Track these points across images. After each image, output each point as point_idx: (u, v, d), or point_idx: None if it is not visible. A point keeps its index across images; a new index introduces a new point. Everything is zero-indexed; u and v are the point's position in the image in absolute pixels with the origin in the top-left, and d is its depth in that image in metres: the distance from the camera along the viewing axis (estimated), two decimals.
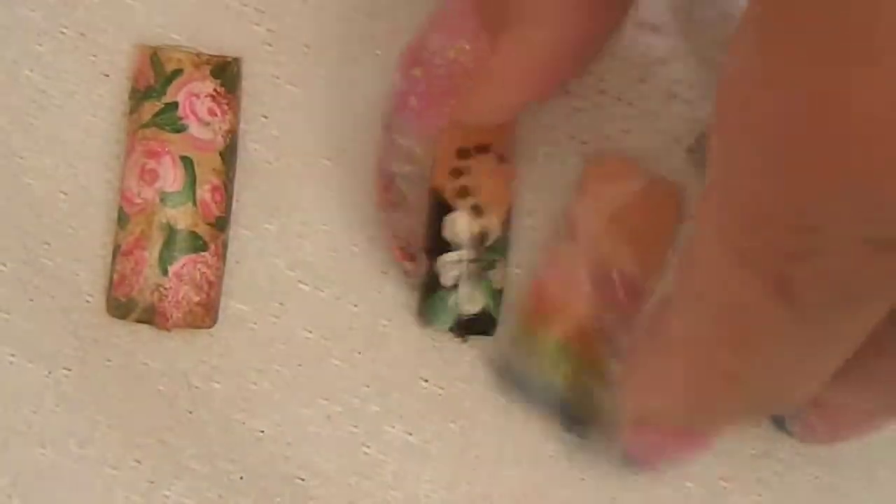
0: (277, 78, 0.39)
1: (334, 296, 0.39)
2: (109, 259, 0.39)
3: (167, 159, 0.38)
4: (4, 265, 0.39)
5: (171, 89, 0.38)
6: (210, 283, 0.38)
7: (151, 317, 0.38)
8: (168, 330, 0.38)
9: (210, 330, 0.39)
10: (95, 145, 0.39)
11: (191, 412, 0.39)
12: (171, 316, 0.38)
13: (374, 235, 0.39)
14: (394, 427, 0.39)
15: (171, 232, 0.38)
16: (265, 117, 0.39)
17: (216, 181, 0.38)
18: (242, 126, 0.39)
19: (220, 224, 0.38)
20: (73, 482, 0.39)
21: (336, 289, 0.39)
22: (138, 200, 0.38)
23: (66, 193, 0.39)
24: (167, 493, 0.39)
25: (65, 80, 0.39)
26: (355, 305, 0.39)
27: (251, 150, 0.39)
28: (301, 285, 0.39)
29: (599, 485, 0.39)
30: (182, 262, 0.38)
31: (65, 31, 0.39)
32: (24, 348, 0.39)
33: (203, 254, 0.38)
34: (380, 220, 0.38)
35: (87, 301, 0.39)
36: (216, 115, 0.38)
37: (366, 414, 0.39)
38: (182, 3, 0.39)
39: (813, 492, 0.40)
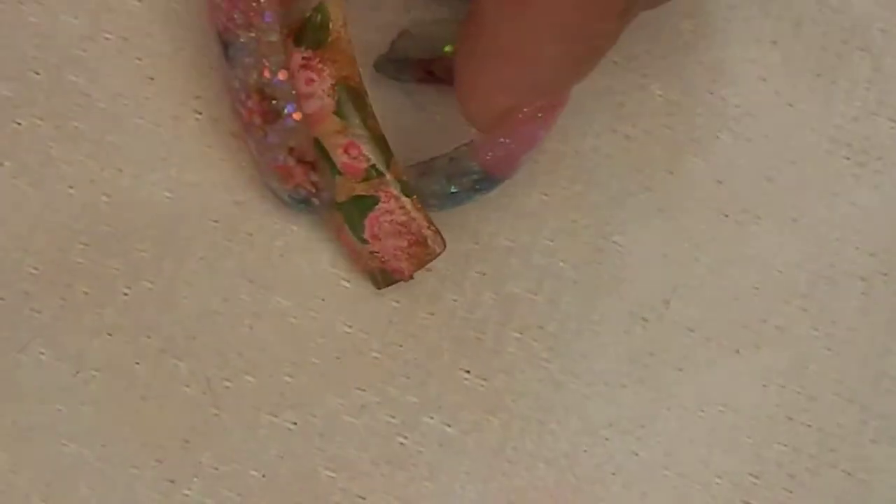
0: None
1: (376, 292, 0.40)
2: (151, 253, 0.39)
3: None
4: (36, 268, 0.39)
5: None
6: (405, 224, 0.38)
7: (390, 277, 0.39)
8: (412, 278, 0.39)
9: (248, 324, 0.39)
10: (141, 148, 0.40)
11: (217, 412, 0.39)
12: (400, 268, 0.39)
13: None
14: (432, 418, 0.39)
15: (342, 208, 0.38)
16: None
17: (344, 140, 0.38)
18: None
19: (373, 171, 0.38)
20: (94, 480, 0.39)
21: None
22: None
23: (108, 196, 0.39)
24: (187, 492, 0.39)
25: (109, 84, 0.40)
26: (397, 301, 0.40)
27: None
28: (343, 282, 0.40)
29: (628, 481, 0.40)
30: (368, 225, 0.38)
31: (108, 36, 0.40)
32: (54, 346, 0.39)
33: (377, 206, 0.38)
34: (257, 148, 0.38)
35: (125, 294, 0.39)
36: (314, 80, 0.38)
37: (403, 404, 0.39)
38: None
39: (843, 488, 0.40)
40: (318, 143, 0.38)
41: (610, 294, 0.40)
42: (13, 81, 0.40)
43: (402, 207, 0.38)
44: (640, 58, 0.41)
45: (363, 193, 0.38)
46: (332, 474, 0.39)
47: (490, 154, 0.37)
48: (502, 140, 0.37)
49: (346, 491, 0.39)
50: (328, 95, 0.37)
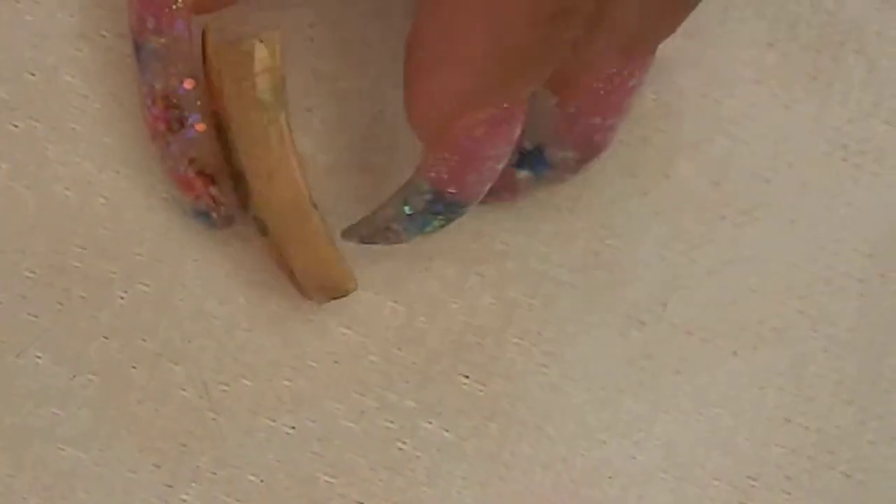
0: (318, 71, 0.40)
1: (373, 293, 0.39)
2: (148, 256, 0.39)
3: None
4: (33, 272, 0.39)
5: None
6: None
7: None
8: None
9: (244, 328, 0.39)
10: (138, 148, 0.39)
11: (214, 417, 0.39)
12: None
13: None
14: (430, 423, 0.39)
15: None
16: (309, 111, 0.40)
17: None
18: None
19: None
20: (91, 484, 0.38)
21: (374, 287, 0.40)
22: None
23: (105, 197, 0.39)
24: (185, 497, 0.39)
25: (105, 84, 0.40)
26: (395, 302, 0.40)
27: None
28: None
29: (626, 484, 0.40)
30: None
31: (105, 34, 0.40)
32: (51, 350, 0.39)
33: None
34: (161, 155, 0.38)
35: (121, 298, 0.39)
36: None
37: (402, 409, 0.39)
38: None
39: (842, 489, 0.40)
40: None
41: (606, 298, 0.40)
42: (9, 83, 0.39)
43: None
44: None
45: None
46: (331, 479, 0.39)
47: (433, 171, 0.36)
48: (445, 155, 0.36)
49: (345, 497, 0.39)
50: None
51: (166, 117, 0.37)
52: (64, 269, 0.39)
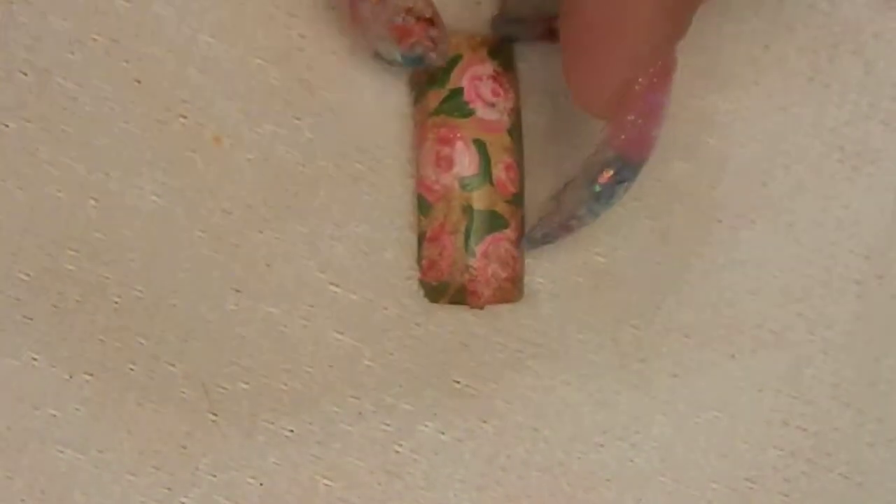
0: (309, 82, 0.40)
1: (366, 298, 0.39)
2: (139, 263, 0.39)
3: (460, 144, 0.39)
4: (28, 274, 0.39)
5: (453, 75, 0.39)
6: (514, 258, 0.39)
7: (463, 297, 0.39)
8: (481, 308, 0.39)
9: (240, 331, 0.39)
10: (127, 151, 0.39)
11: (214, 418, 0.39)
12: (483, 294, 0.39)
13: (401, 237, 0.40)
14: (427, 426, 0.39)
15: (472, 214, 0.39)
16: (298, 119, 0.40)
17: (509, 159, 0.39)
18: (276, 129, 0.39)
19: (517, 200, 0.39)
20: (90, 486, 0.38)
21: (368, 291, 0.39)
22: (437, 187, 0.39)
23: (96, 200, 0.39)
24: (184, 499, 0.38)
25: (96, 87, 0.39)
26: (386, 308, 0.39)
27: (284, 154, 0.39)
28: (332, 287, 0.39)
29: (623, 488, 0.39)
30: (487, 242, 0.39)
31: (97, 38, 0.39)
32: (47, 351, 0.38)
33: (505, 231, 0.39)
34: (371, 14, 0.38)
35: (115, 303, 0.39)
36: (500, 95, 0.39)
37: (399, 412, 0.39)
38: (213, 7, 0.40)
39: (840, 491, 0.40)
40: (481, 145, 0.39)
41: (599, 302, 0.40)
42: (2, 83, 0.39)
43: (520, 242, 0.39)
44: None
45: (500, 213, 0.39)
46: (330, 483, 0.39)
47: (623, 136, 0.36)
48: (631, 118, 0.36)
49: (344, 500, 0.39)
50: (507, 115, 0.39)
51: None
52: (58, 273, 0.39)
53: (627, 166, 0.37)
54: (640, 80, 0.36)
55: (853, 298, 0.40)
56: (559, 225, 0.38)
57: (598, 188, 0.37)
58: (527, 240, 0.39)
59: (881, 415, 0.40)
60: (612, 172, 0.37)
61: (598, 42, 0.35)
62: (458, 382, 0.39)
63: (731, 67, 0.41)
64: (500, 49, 0.40)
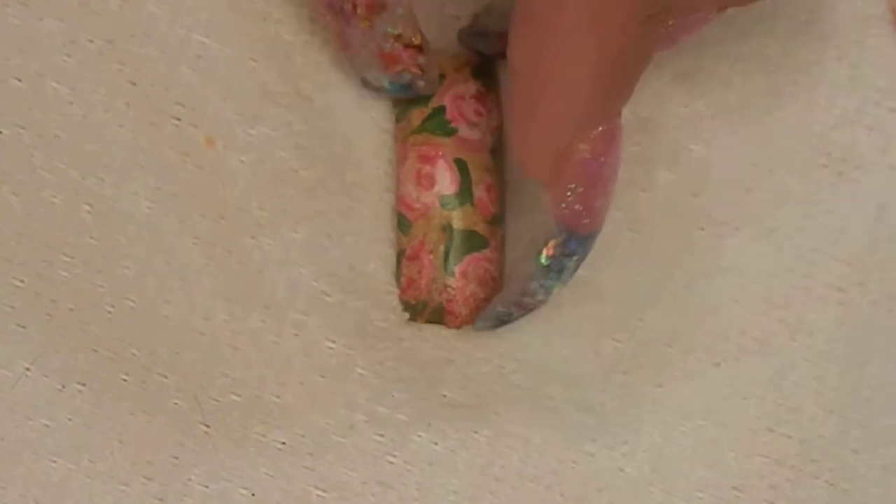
0: (302, 84, 0.40)
1: (359, 307, 0.39)
2: (134, 270, 0.38)
3: (441, 163, 0.39)
4: (22, 280, 0.38)
5: (436, 94, 0.39)
6: (493, 279, 0.39)
7: (441, 317, 0.39)
8: (458, 328, 0.39)
9: (231, 342, 0.38)
10: (121, 156, 0.39)
11: (206, 429, 0.38)
12: (461, 314, 0.39)
13: (382, 252, 0.40)
14: (420, 436, 0.39)
15: (452, 233, 0.39)
16: (291, 122, 0.40)
17: (490, 179, 0.39)
18: (270, 132, 0.39)
19: (497, 220, 0.39)
20: (82, 496, 0.38)
21: (361, 300, 0.39)
22: (418, 205, 0.39)
23: (90, 205, 0.39)
24: None
25: (91, 90, 0.39)
26: (382, 320, 0.39)
27: (277, 157, 0.39)
28: (325, 297, 0.39)
29: (615, 498, 0.39)
30: (466, 262, 0.39)
31: (92, 40, 0.39)
32: (39, 361, 0.38)
33: (484, 251, 0.39)
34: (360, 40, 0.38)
35: (109, 312, 0.38)
36: (482, 114, 0.39)
37: (392, 422, 0.39)
38: (205, 7, 0.39)
39: (826, 498, 0.40)
40: (462, 164, 0.39)
41: (580, 315, 0.40)
42: None
43: (501, 263, 0.39)
44: None
45: (480, 232, 0.39)
46: (323, 494, 0.38)
47: (564, 205, 0.36)
48: (571, 185, 0.36)
49: None
50: (489, 134, 0.39)
51: (369, 1, 0.37)
52: (52, 280, 0.38)
53: (575, 237, 0.37)
54: (581, 146, 0.35)
55: (835, 305, 0.41)
56: (513, 303, 0.38)
57: (545, 261, 0.37)
58: (481, 320, 0.39)
59: (865, 421, 0.40)
60: (556, 243, 0.37)
61: (539, 103, 0.35)
62: (450, 391, 0.39)
63: (714, 74, 0.41)
64: (484, 69, 0.40)
